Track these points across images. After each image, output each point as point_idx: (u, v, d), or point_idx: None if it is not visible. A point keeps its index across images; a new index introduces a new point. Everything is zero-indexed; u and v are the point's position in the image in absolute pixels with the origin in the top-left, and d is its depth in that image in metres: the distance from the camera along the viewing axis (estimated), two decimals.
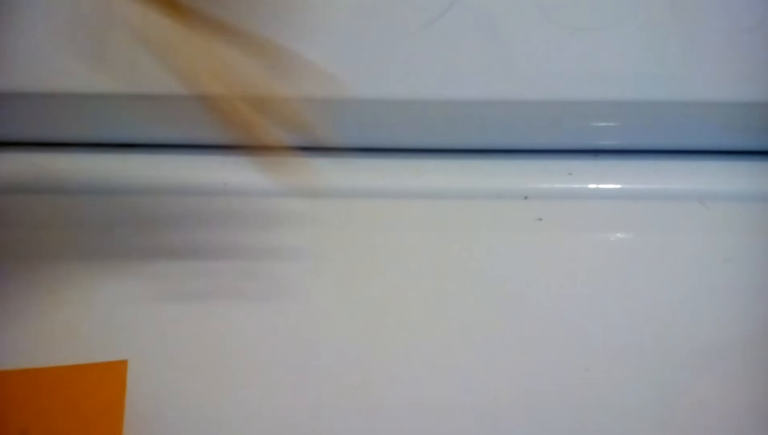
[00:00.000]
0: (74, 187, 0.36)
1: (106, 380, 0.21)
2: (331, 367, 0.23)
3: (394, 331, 0.25)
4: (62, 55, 0.36)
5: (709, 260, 0.30)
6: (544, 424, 0.20)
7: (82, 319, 0.25)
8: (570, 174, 0.37)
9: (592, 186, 0.37)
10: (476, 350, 0.24)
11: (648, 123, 0.38)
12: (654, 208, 0.35)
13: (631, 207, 0.35)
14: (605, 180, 0.37)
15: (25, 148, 0.38)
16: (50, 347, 0.23)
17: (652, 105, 0.37)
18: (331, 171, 0.31)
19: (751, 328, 0.25)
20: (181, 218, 0.33)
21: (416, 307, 0.26)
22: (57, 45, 0.36)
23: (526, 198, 0.35)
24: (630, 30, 0.36)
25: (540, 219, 0.33)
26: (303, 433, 0.20)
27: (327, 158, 0.30)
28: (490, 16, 0.36)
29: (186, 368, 0.23)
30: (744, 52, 0.36)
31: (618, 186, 0.37)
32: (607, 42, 0.36)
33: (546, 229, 0.33)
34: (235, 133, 0.22)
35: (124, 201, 0.35)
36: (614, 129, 0.39)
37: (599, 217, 0.34)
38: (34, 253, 0.30)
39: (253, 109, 0.22)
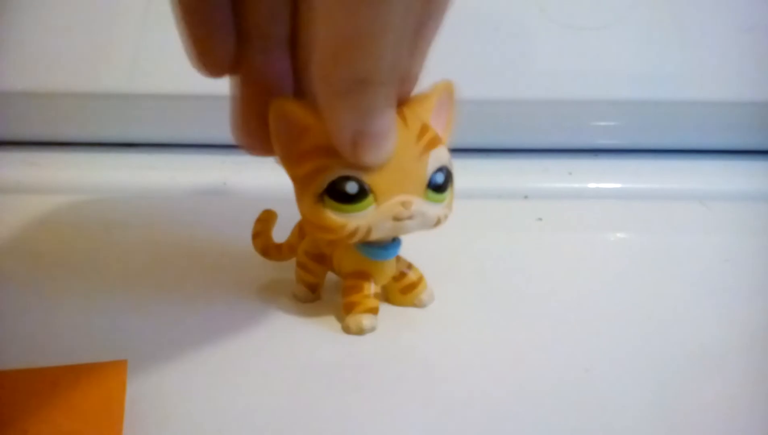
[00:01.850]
0: (74, 187, 0.36)
1: (106, 380, 0.21)
2: (330, 366, 0.23)
3: (391, 331, 0.25)
4: (62, 55, 0.36)
5: (709, 260, 0.30)
6: (544, 425, 0.20)
7: (82, 319, 0.25)
8: (570, 174, 0.37)
9: (592, 186, 0.37)
10: (475, 350, 0.24)
11: (648, 123, 0.38)
12: (654, 208, 0.35)
13: (631, 207, 0.35)
14: (605, 180, 0.37)
15: (25, 148, 0.38)
16: (50, 347, 0.23)
17: (652, 105, 0.37)
18: None
19: (751, 328, 0.25)
20: (181, 218, 0.33)
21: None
22: (57, 45, 0.36)
23: (526, 198, 0.36)
24: (630, 30, 0.36)
25: (540, 219, 0.33)
26: (303, 433, 0.20)
27: None
28: (490, 16, 0.36)
29: (186, 368, 0.23)
30: (744, 52, 0.36)
31: (618, 186, 0.37)
32: (607, 42, 0.36)
33: (546, 229, 0.33)
34: None
35: (124, 201, 0.35)
36: (614, 129, 0.39)
37: (599, 217, 0.34)
38: (34, 253, 0.30)
39: None
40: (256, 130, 0.23)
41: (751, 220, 0.34)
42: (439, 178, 0.22)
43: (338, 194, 0.21)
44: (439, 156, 0.22)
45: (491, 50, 0.36)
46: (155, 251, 0.30)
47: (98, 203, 0.35)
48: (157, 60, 0.36)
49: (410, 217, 0.22)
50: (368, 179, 0.21)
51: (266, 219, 0.27)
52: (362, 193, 0.21)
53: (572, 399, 0.21)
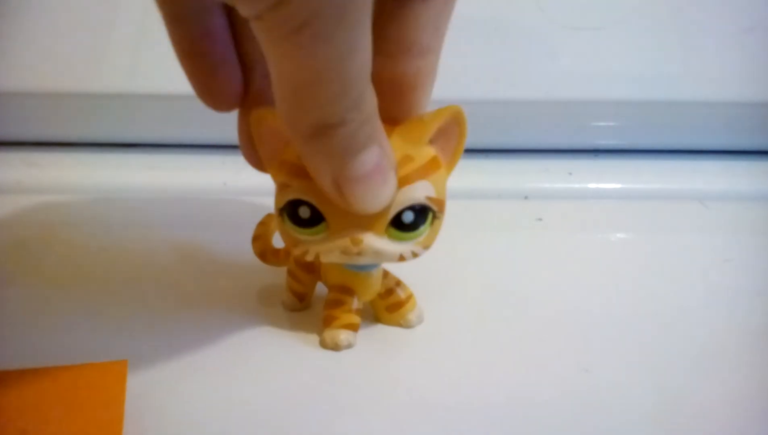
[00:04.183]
0: (74, 187, 0.36)
1: (106, 380, 0.21)
2: (328, 366, 0.23)
3: (391, 332, 0.25)
4: (62, 55, 0.36)
5: (709, 260, 0.30)
6: (544, 425, 0.20)
7: (82, 319, 0.25)
8: (570, 174, 0.37)
9: (592, 186, 0.37)
10: (475, 350, 0.24)
11: (648, 123, 0.38)
12: (654, 208, 0.35)
13: (631, 207, 0.35)
14: (605, 180, 0.37)
15: (25, 148, 0.38)
16: (50, 347, 0.23)
17: (652, 105, 0.37)
18: None
19: (751, 328, 0.25)
20: (181, 218, 0.33)
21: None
22: (57, 45, 0.36)
23: (526, 198, 0.35)
24: (630, 30, 0.36)
25: (540, 219, 0.33)
26: (302, 432, 0.20)
27: None
28: (490, 15, 0.36)
29: (186, 368, 0.23)
30: (744, 52, 0.36)
31: (618, 186, 0.37)
32: (607, 42, 0.36)
33: (546, 229, 0.33)
34: None
35: (124, 201, 0.35)
36: (614, 129, 0.39)
37: (599, 217, 0.34)
38: (34, 253, 0.30)
39: None
40: None
41: (751, 220, 0.34)
42: (407, 218, 0.21)
43: (292, 215, 0.21)
44: (416, 192, 0.21)
45: (491, 50, 0.36)
46: (155, 251, 0.30)
47: (98, 203, 0.35)
48: (157, 60, 0.36)
49: (359, 254, 0.21)
50: (323, 208, 0.20)
51: (268, 223, 0.27)
52: (315, 219, 0.21)
53: (572, 400, 0.21)
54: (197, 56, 0.22)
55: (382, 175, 0.19)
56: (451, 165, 0.22)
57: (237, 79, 0.22)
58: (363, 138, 0.18)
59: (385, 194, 0.20)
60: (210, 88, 0.22)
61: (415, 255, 0.22)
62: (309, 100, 0.17)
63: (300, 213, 0.21)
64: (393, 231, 0.21)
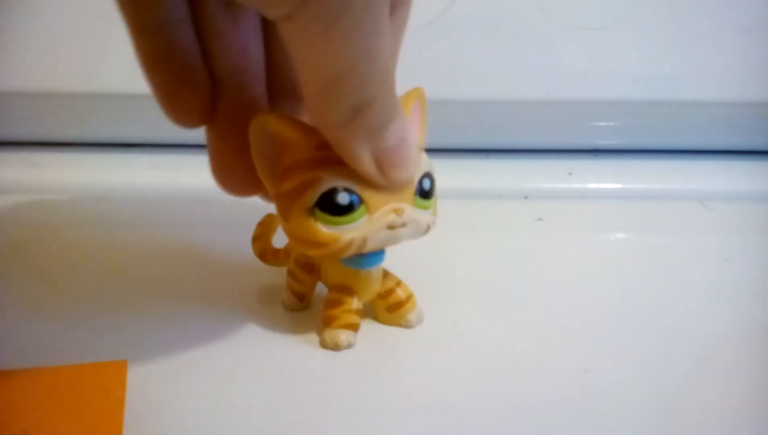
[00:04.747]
0: (74, 187, 0.36)
1: (106, 380, 0.21)
2: (328, 366, 0.23)
3: (391, 332, 0.25)
4: (62, 55, 0.36)
5: (709, 260, 0.30)
6: (544, 425, 0.20)
7: (83, 319, 0.25)
8: (570, 174, 0.37)
9: (592, 186, 0.37)
10: (474, 350, 0.24)
11: (648, 123, 0.38)
12: (654, 208, 0.35)
13: (631, 207, 0.35)
14: (605, 180, 0.37)
15: (25, 148, 0.38)
16: (50, 347, 0.23)
17: (652, 105, 0.37)
18: None
19: (751, 328, 0.25)
20: (181, 218, 0.33)
21: None
22: (57, 45, 0.36)
23: (526, 198, 0.36)
24: (630, 30, 0.36)
25: (540, 219, 0.33)
26: (302, 433, 0.20)
27: None
28: (490, 15, 0.36)
29: (186, 368, 0.23)
30: (744, 52, 0.36)
31: (618, 186, 0.37)
32: (607, 42, 0.36)
33: (546, 229, 0.33)
34: None
35: (124, 201, 0.35)
36: (614, 129, 0.39)
37: (599, 217, 0.34)
38: (34, 253, 0.30)
39: None
40: (237, 169, 0.23)
41: (751, 220, 0.34)
42: (426, 184, 0.22)
43: (330, 206, 0.21)
44: (424, 162, 0.22)
45: (491, 50, 0.36)
46: (155, 251, 0.30)
47: (98, 203, 0.35)
48: None
49: (403, 225, 0.21)
50: (359, 189, 0.21)
51: (268, 223, 0.27)
52: (354, 203, 0.21)
53: (571, 400, 0.21)
54: (163, 68, 0.21)
55: (410, 141, 0.20)
56: (420, 142, 0.23)
57: (205, 93, 0.22)
58: (391, 108, 0.19)
59: (416, 160, 0.21)
60: (176, 103, 0.22)
61: (434, 223, 0.23)
62: (343, 87, 0.18)
63: (339, 200, 0.21)
64: (418, 200, 0.22)
